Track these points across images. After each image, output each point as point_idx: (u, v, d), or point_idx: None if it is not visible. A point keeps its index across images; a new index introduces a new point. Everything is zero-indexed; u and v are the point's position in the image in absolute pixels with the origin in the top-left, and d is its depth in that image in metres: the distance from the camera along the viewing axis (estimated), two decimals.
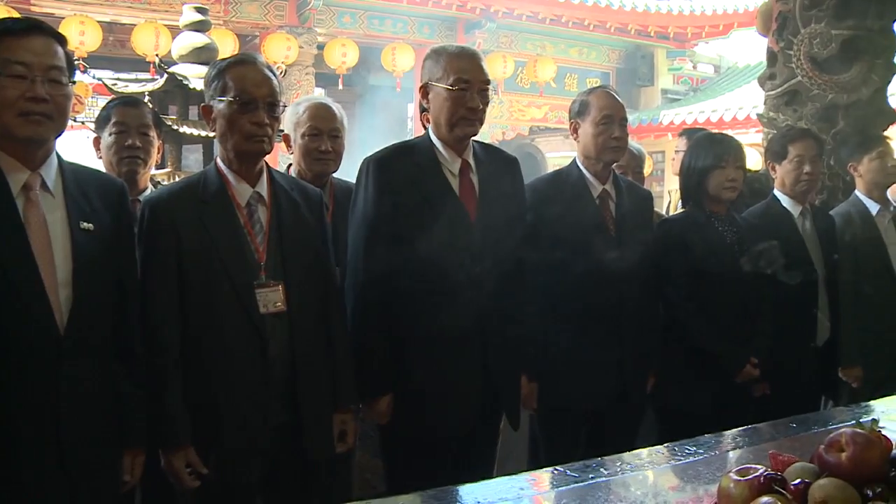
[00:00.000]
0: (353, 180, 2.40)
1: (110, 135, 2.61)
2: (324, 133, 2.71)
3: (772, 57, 4.28)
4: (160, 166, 4.58)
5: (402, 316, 2.28)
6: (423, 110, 2.39)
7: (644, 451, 1.72)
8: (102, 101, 4.44)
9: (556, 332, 2.57)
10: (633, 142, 3.32)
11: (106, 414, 1.81)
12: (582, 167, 2.71)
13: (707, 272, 2.75)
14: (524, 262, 2.43)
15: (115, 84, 5.64)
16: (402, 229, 2.25)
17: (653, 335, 2.75)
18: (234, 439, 1.98)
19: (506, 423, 2.47)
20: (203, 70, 4.29)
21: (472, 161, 2.38)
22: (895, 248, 3.43)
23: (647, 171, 4.28)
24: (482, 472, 2.35)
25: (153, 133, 2.67)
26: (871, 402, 2.13)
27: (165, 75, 5.12)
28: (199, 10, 5.65)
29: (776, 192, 3.25)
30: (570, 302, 2.57)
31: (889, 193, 3.58)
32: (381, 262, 2.25)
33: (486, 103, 2.32)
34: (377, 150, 2.38)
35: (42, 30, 1.73)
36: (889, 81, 4.10)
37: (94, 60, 9.12)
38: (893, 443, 1.25)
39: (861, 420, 1.28)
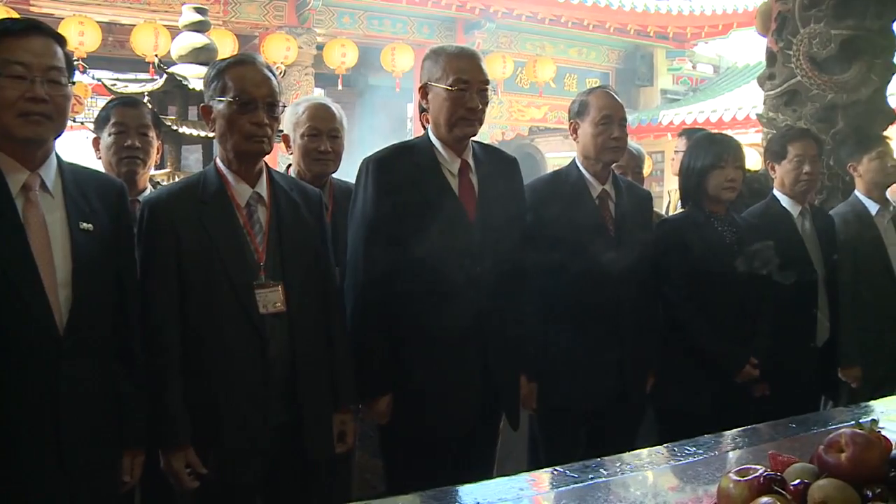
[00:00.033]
0: (353, 180, 2.40)
1: (109, 135, 2.61)
2: (323, 133, 2.71)
3: (771, 57, 4.29)
4: (159, 167, 4.57)
5: (402, 316, 2.28)
6: (422, 110, 2.39)
7: (644, 452, 1.72)
8: (102, 102, 4.44)
9: (556, 332, 2.57)
10: (632, 142, 3.32)
11: (106, 414, 1.81)
12: (581, 167, 2.71)
13: (706, 272, 2.75)
14: (523, 262, 2.42)
15: (115, 84, 5.63)
16: (401, 229, 2.25)
17: (652, 335, 2.75)
18: (234, 439, 1.98)
19: (505, 423, 2.47)
20: (202, 70, 4.29)
21: (471, 161, 2.38)
22: (895, 249, 3.43)
23: (646, 171, 4.28)
24: (482, 472, 2.35)
25: (152, 133, 2.67)
26: (871, 403, 2.14)
27: (165, 76, 5.12)
28: (199, 10, 5.64)
29: (775, 192, 3.25)
30: (570, 302, 2.57)
31: (888, 193, 3.59)
32: (381, 262, 2.25)
33: (486, 103, 2.32)
34: (377, 150, 2.38)
35: (41, 30, 1.73)
36: (888, 81, 4.11)
37: (94, 61, 9.13)
38: (893, 443, 1.25)
39: (860, 420, 1.28)
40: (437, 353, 2.27)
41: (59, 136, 1.77)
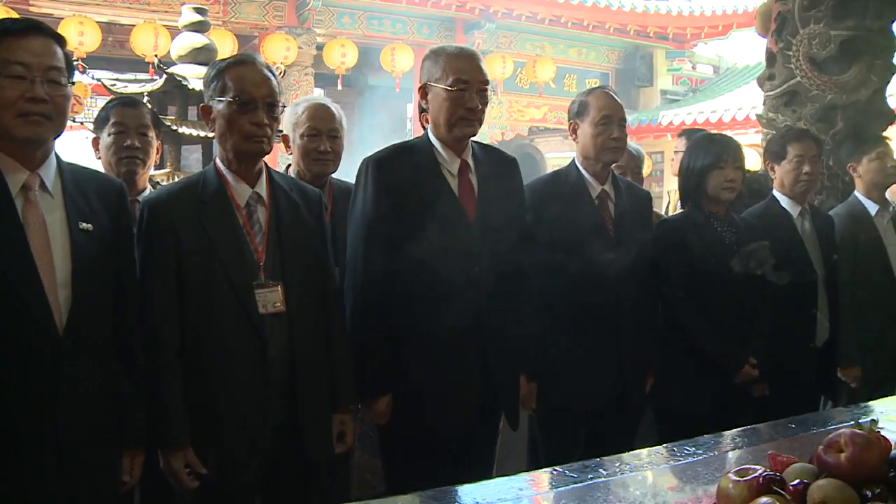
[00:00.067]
0: (353, 181, 2.40)
1: (109, 135, 2.61)
2: (323, 133, 2.71)
3: (771, 57, 4.29)
4: (159, 167, 4.58)
5: (402, 316, 2.28)
6: (422, 111, 2.39)
7: (643, 452, 1.72)
8: (101, 102, 4.44)
9: (555, 332, 2.57)
10: (631, 142, 3.32)
11: (105, 414, 1.81)
12: (581, 168, 2.71)
13: (706, 272, 2.75)
14: (523, 262, 2.42)
15: (114, 84, 5.63)
16: (401, 230, 2.25)
17: (652, 335, 2.75)
18: (234, 439, 1.98)
19: (505, 423, 2.47)
20: (202, 70, 4.28)
21: (471, 161, 2.38)
22: (894, 249, 3.43)
23: (646, 171, 4.28)
24: (481, 472, 2.35)
25: (152, 133, 2.67)
26: (870, 403, 2.14)
27: (164, 76, 5.12)
28: (198, 10, 5.64)
29: (775, 192, 3.25)
30: (569, 302, 2.57)
31: (888, 194, 3.59)
32: (380, 262, 2.25)
33: (485, 104, 2.32)
34: (376, 150, 2.38)
35: (41, 30, 1.73)
36: (888, 82, 4.11)
37: (93, 61, 9.12)
38: (892, 443, 1.25)
39: (860, 421, 1.28)
40: (437, 353, 2.27)
41: (58, 136, 1.77)
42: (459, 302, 2.24)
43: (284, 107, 2.23)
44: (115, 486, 1.85)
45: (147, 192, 2.63)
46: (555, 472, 1.57)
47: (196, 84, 4.84)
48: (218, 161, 2.09)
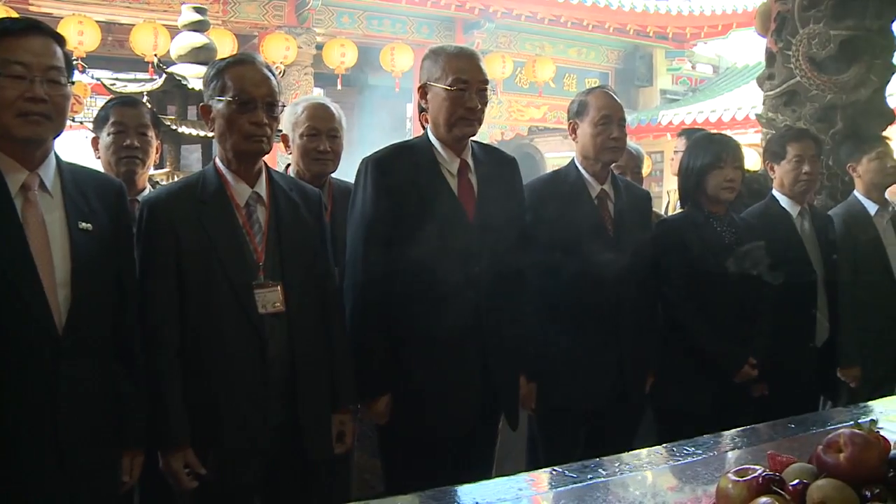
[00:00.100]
0: (352, 180, 2.40)
1: (108, 135, 2.61)
2: (322, 133, 2.70)
3: (770, 57, 4.29)
4: (159, 166, 4.57)
5: (401, 316, 2.28)
6: (421, 110, 2.39)
7: (643, 452, 1.72)
8: (101, 101, 4.43)
9: (555, 332, 2.57)
10: (631, 142, 3.32)
11: (105, 414, 1.81)
12: (580, 167, 2.71)
13: (705, 272, 2.75)
14: (522, 262, 2.42)
15: (114, 84, 5.63)
16: (400, 229, 2.25)
17: (651, 335, 2.75)
18: (234, 439, 1.98)
19: (504, 423, 2.47)
20: (202, 70, 4.28)
21: (470, 161, 2.38)
22: (893, 249, 3.43)
23: (645, 171, 4.28)
24: (481, 472, 2.35)
25: (151, 133, 2.67)
26: (870, 403, 2.14)
27: (164, 75, 5.11)
28: (198, 10, 5.64)
29: (775, 192, 3.25)
30: (569, 302, 2.57)
31: (887, 194, 3.59)
32: (380, 262, 2.25)
33: (485, 103, 2.32)
34: (376, 150, 2.37)
35: (41, 30, 1.73)
36: (888, 82, 4.11)
37: (93, 60, 9.11)
38: (892, 443, 1.25)
39: (859, 421, 1.28)
40: (437, 353, 2.27)
41: (58, 135, 1.77)
42: (459, 302, 2.24)
43: (284, 106, 2.22)
44: (114, 486, 1.85)
45: (146, 191, 2.63)
46: (554, 473, 1.57)
47: (196, 84, 4.84)
48: (217, 161, 2.09)
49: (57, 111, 1.71)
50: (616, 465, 1.62)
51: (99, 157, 2.67)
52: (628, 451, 1.74)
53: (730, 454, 1.71)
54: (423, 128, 2.42)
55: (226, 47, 8.65)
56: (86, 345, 1.74)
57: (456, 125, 2.29)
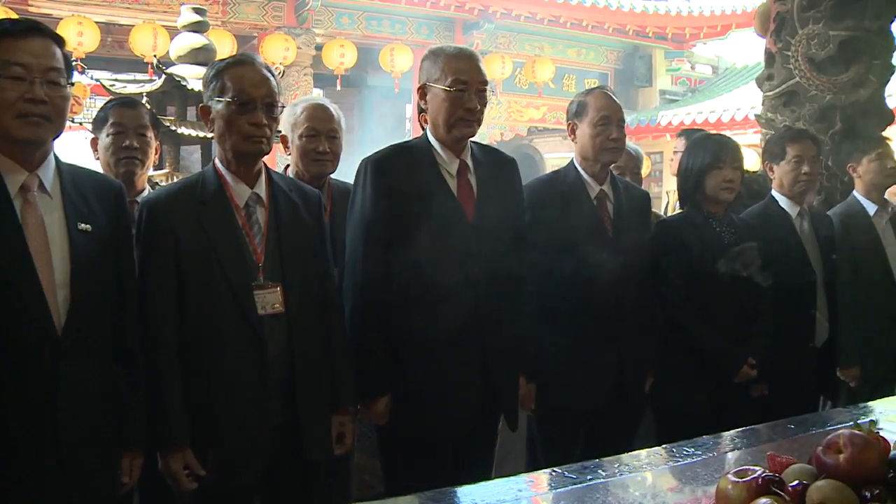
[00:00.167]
0: (351, 181, 2.40)
1: (108, 136, 2.61)
2: (321, 134, 2.70)
3: (770, 58, 4.29)
4: (158, 167, 4.58)
5: (401, 317, 2.28)
6: (420, 111, 2.39)
7: (642, 453, 1.72)
8: (100, 102, 4.44)
9: (554, 332, 2.57)
10: (630, 143, 3.32)
11: (104, 415, 1.81)
12: (579, 168, 2.71)
13: (705, 273, 2.75)
14: (522, 262, 2.42)
15: (113, 85, 5.63)
16: (399, 230, 2.25)
17: (651, 335, 2.75)
18: (233, 440, 1.97)
19: (504, 423, 2.47)
20: (201, 71, 4.29)
21: (469, 162, 2.38)
22: (893, 249, 3.43)
23: (644, 171, 4.28)
24: (480, 473, 2.35)
25: (150, 134, 2.67)
26: (870, 403, 2.14)
27: (163, 76, 5.12)
28: (197, 10, 5.64)
29: (774, 192, 3.25)
30: (568, 302, 2.57)
31: (887, 195, 3.59)
32: (379, 263, 2.25)
33: (484, 104, 2.32)
34: (375, 150, 2.37)
35: (40, 31, 1.73)
36: (887, 82, 4.11)
37: (92, 61, 9.12)
38: (891, 444, 1.25)
39: (859, 421, 1.28)
40: (436, 353, 2.26)
41: (57, 136, 1.77)
42: (458, 302, 2.24)
43: (283, 107, 2.22)
44: (114, 486, 1.85)
45: (146, 192, 2.63)
46: (554, 473, 1.57)
47: (195, 84, 4.84)
48: (217, 161, 2.09)
49: (56, 112, 1.71)
50: (616, 465, 1.62)
51: (98, 158, 2.67)
52: (628, 451, 1.74)
53: (729, 455, 1.71)
54: (423, 128, 2.42)
55: (225, 48, 8.65)
56: (85, 345, 1.74)
57: (455, 126, 2.29)
